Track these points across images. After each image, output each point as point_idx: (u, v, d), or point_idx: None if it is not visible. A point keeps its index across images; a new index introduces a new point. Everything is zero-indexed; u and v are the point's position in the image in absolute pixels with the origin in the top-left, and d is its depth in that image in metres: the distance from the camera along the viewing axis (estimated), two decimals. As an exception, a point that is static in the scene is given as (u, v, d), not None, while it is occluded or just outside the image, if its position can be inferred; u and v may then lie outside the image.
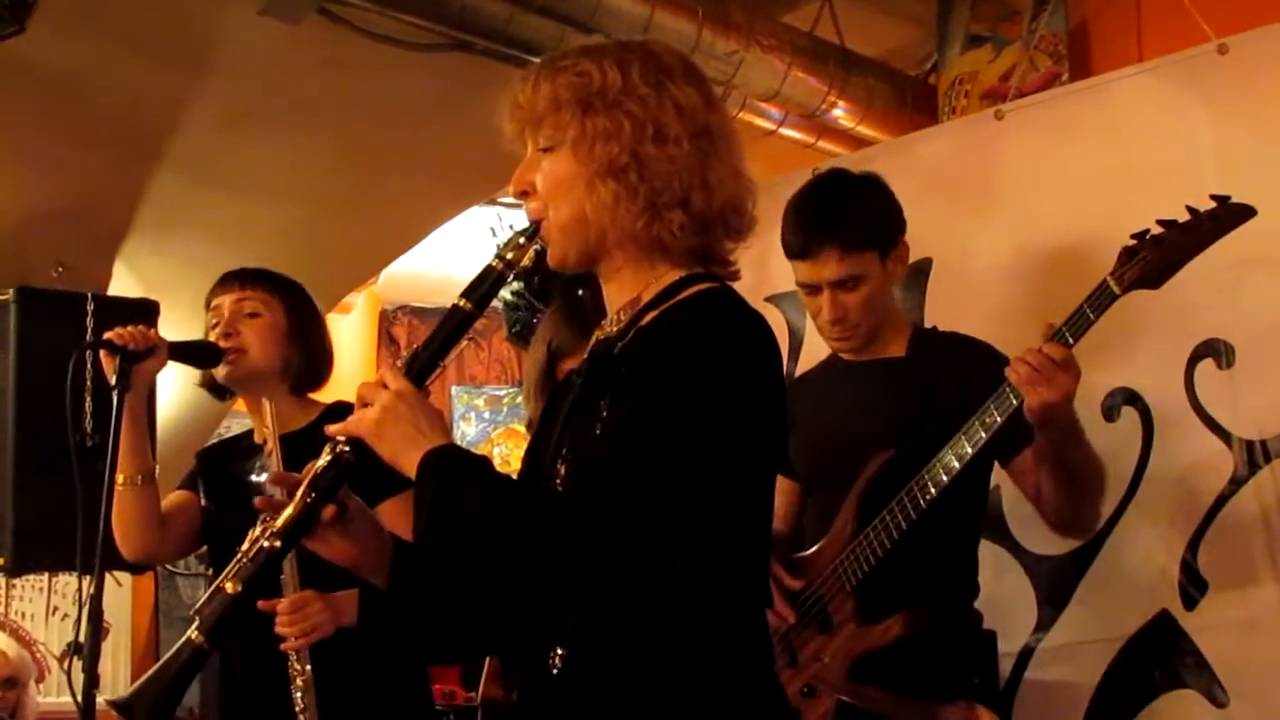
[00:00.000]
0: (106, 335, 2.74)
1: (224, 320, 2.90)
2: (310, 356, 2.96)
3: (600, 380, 1.70)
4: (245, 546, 1.69)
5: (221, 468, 3.03)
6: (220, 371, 2.90)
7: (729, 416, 1.60)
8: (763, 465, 1.72)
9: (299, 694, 2.62)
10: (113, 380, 2.69)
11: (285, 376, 2.93)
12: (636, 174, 1.69)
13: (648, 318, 1.71)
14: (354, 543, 1.75)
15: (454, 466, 1.59)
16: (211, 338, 2.92)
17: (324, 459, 1.68)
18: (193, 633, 1.66)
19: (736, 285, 1.78)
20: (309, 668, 2.61)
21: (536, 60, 3.65)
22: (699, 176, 1.71)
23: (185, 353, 2.89)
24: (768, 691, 1.71)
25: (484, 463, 1.61)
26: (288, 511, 1.68)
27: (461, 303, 1.72)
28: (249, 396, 2.99)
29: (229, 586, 1.67)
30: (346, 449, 1.67)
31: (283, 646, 2.59)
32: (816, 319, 2.86)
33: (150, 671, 1.66)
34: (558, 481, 1.67)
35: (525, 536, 1.53)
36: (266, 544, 1.68)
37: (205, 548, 3.11)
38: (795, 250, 2.79)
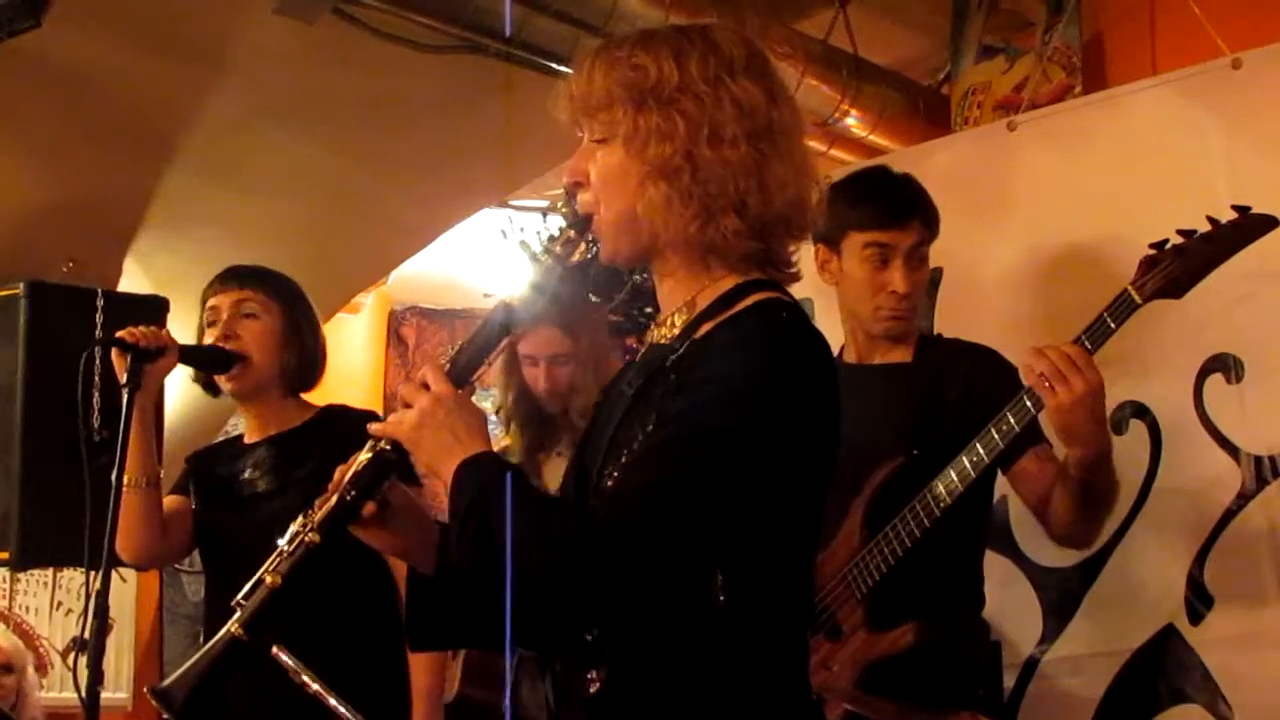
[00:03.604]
0: (119, 334, 2.74)
1: (222, 321, 2.92)
2: (304, 360, 2.98)
3: (652, 392, 1.65)
4: (285, 541, 1.68)
5: (211, 470, 3.04)
6: (227, 385, 2.91)
7: (780, 440, 1.55)
8: (814, 488, 1.66)
9: None
10: (123, 379, 2.69)
11: (281, 380, 2.96)
12: (690, 176, 1.62)
13: (703, 329, 1.65)
14: (399, 534, 1.74)
15: (486, 481, 1.54)
16: (208, 336, 2.93)
17: (365, 454, 1.67)
18: (233, 625, 1.65)
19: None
20: None
21: (549, 63, 3.65)
22: (756, 179, 1.63)
23: (196, 357, 2.90)
24: (806, 716, 1.68)
25: (517, 476, 1.55)
26: (327, 506, 1.67)
27: (506, 299, 1.69)
28: (244, 401, 3.01)
29: (269, 579, 1.66)
30: (388, 446, 1.66)
31: None
32: (875, 296, 2.76)
33: (189, 662, 1.66)
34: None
35: (552, 565, 1.49)
36: (306, 538, 1.66)
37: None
38: (883, 215, 2.75)
